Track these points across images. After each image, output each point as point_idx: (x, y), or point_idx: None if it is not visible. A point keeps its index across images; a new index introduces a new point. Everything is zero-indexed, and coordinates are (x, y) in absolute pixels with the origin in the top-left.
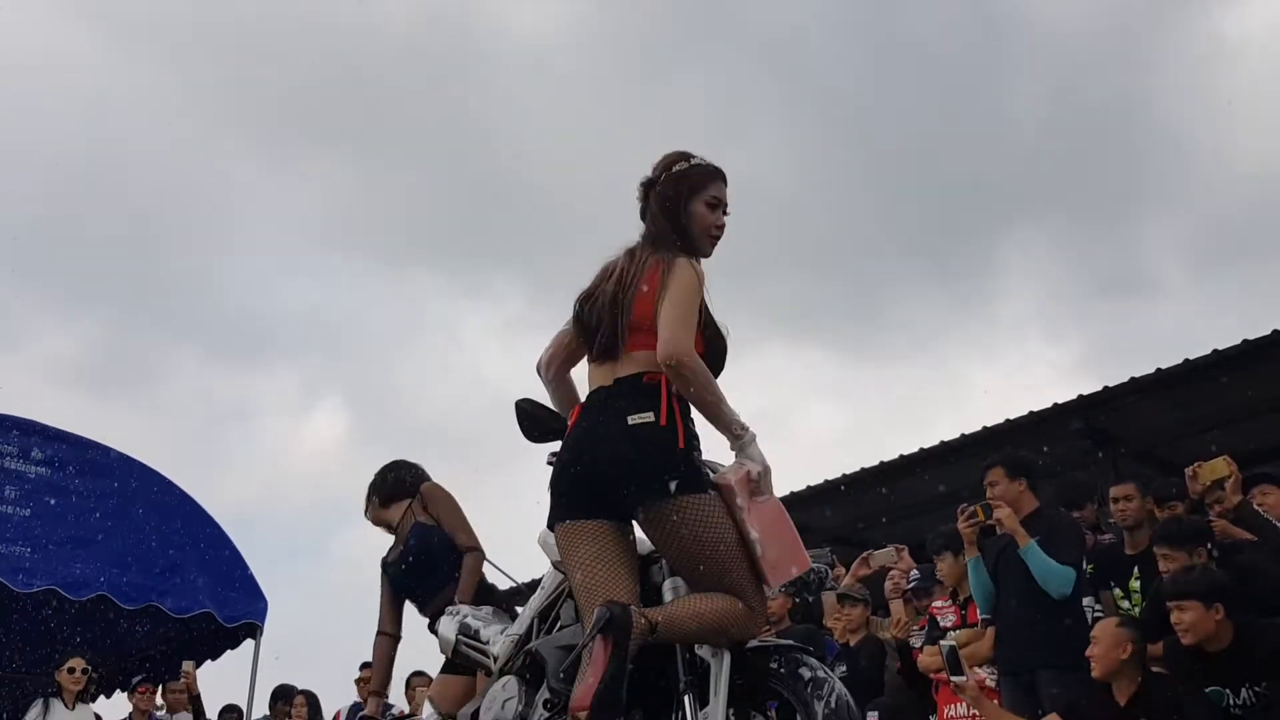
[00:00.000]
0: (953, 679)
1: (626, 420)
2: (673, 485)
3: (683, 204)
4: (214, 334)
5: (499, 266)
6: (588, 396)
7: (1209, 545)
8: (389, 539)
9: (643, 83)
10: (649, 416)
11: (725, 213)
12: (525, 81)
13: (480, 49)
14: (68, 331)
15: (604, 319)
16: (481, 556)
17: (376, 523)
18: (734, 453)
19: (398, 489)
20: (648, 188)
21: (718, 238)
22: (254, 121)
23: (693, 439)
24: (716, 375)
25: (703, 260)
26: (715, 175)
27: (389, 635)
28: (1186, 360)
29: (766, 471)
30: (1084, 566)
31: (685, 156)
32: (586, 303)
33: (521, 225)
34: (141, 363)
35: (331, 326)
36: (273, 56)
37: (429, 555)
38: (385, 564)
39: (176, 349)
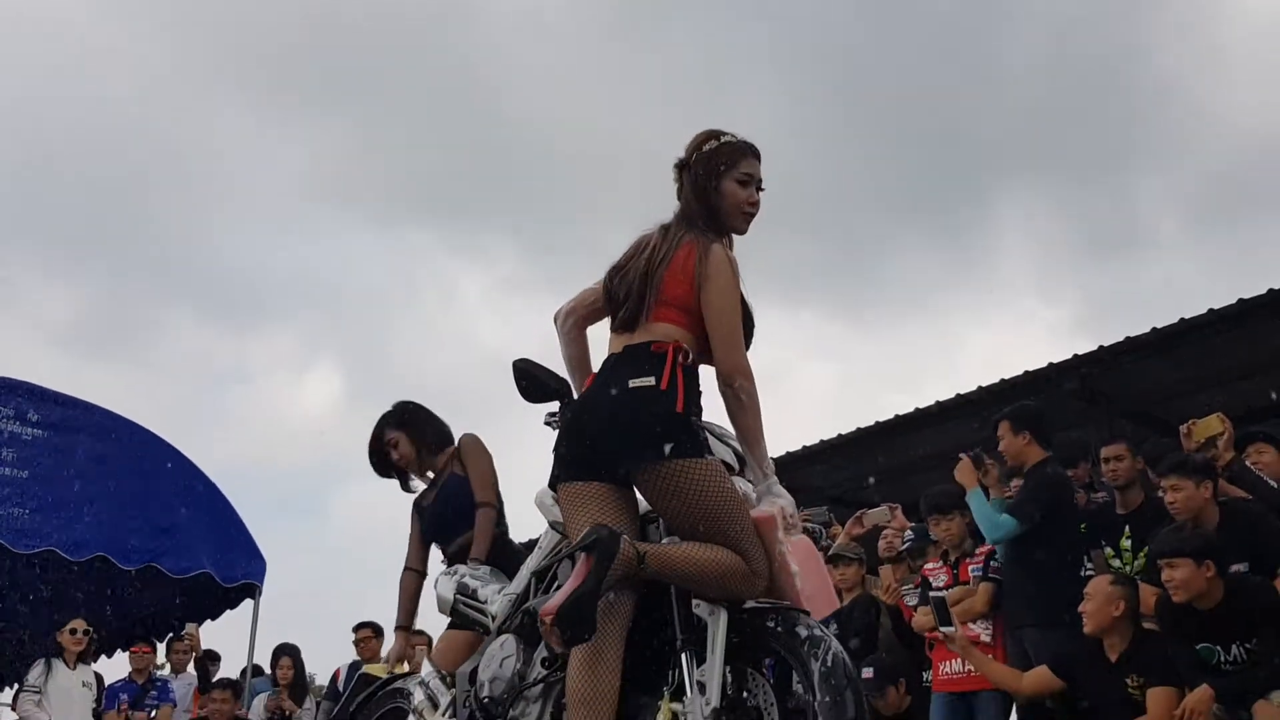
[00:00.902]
0: (942, 630)
1: (628, 384)
2: (668, 448)
3: (714, 182)
4: (208, 295)
5: (492, 226)
6: (603, 362)
7: (1215, 481)
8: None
9: (635, 38)
10: (650, 380)
11: (760, 189)
12: (518, 39)
13: (473, 6)
14: (62, 292)
15: (632, 292)
16: (491, 512)
17: (421, 469)
18: (760, 492)
19: (445, 439)
20: (681, 169)
21: (751, 215)
22: (247, 79)
23: (692, 405)
24: (746, 348)
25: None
26: (746, 152)
27: (416, 571)
28: (1182, 319)
29: (795, 510)
30: (1056, 522)
31: (716, 135)
32: (616, 275)
33: (514, 184)
34: (136, 323)
35: (326, 286)
36: (266, 13)
37: (459, 507)
38: (418, 505)
39: (171, 309)
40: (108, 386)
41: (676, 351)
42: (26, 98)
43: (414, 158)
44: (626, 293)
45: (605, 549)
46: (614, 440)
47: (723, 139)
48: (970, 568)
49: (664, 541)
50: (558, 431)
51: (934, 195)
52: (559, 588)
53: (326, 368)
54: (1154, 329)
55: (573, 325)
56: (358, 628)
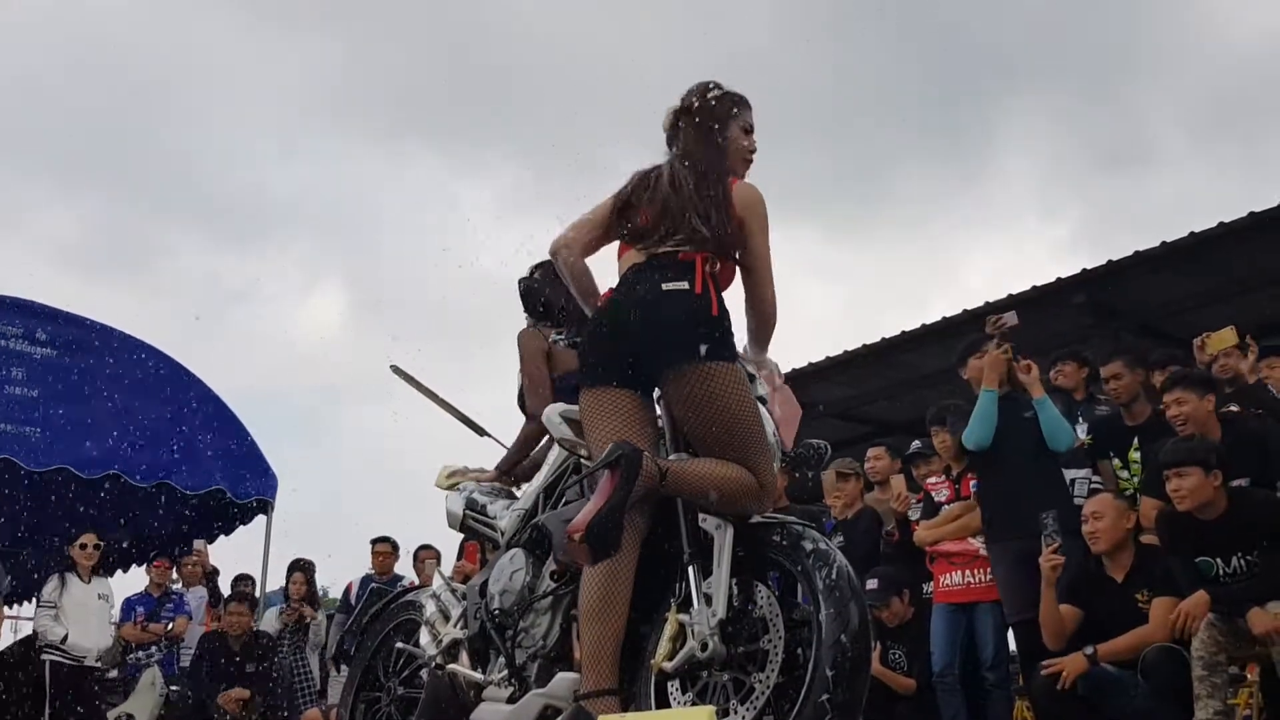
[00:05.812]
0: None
1: (660, 287)
2: (703, 349)
3: (722, 128)
4: (211, 215)
5: (493, 142)
6: (623, 274)
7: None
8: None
9: None
10: (684, 284)
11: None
12: None
13: None
14: (65, 213)
15: (669, 213)
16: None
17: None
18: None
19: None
20: (681, 114)
21: (750, 163)
22: None
23: (726, 311)
24: None
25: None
26: (745, 102)
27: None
28: (1192, 233)
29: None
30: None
31: (717, 85)
32: (640, 199)
33: (513, 99)
34: (140, 244)
35: (328, 206)
36: None
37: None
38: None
39: (174, 230)
40: (113, 307)
41: (705, 261)
42: (27, 19)
43: (412, 73)
44: (660, 214)
45: (630, 465)
46: (648, 340)
47: (724, 89)
48: (972, 483)
49: (673, 458)
50: (584, 336)
51: (935, 112)
52: (566, 503)
53: (330, 287)
54: (1163, 243)
55: (577, 255)
56: (375, 542)
